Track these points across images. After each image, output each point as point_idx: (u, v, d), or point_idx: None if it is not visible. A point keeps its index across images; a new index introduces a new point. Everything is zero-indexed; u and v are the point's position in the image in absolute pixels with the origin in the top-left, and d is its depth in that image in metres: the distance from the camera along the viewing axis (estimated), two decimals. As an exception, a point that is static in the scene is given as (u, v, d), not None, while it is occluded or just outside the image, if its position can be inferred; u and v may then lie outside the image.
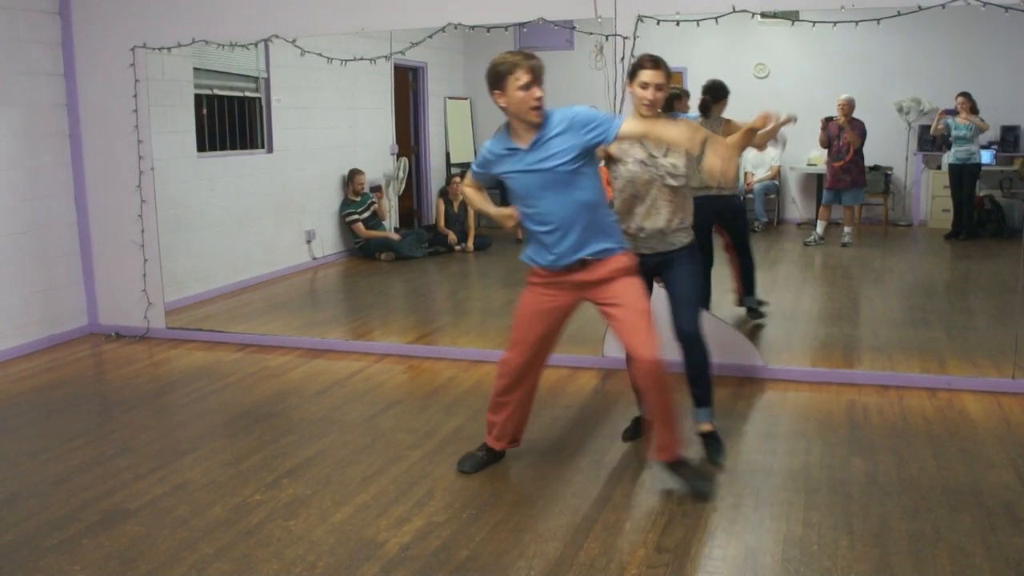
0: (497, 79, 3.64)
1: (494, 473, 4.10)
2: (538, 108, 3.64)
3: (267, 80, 8.57)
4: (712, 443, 4.25)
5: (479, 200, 4.12)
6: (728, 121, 5.98)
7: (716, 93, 6.09)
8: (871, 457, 4.23)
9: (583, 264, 3.79)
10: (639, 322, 3.74)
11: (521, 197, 3.81)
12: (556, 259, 3.80)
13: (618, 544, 3.44)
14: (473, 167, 4.02)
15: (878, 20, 5.17)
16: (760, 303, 6.62)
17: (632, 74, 4.01)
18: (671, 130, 3.72)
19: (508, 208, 3.96)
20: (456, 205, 10.11)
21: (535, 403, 4.45)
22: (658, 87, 3.94)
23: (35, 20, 6.42)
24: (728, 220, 6.28)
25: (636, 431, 4.49)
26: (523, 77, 3.59)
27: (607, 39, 5.51)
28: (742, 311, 6.58)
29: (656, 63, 3.96)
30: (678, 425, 3.89)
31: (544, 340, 4.00)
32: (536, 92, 3.62)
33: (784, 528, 3.54)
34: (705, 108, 6.08)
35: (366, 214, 9.61)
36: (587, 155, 3.73)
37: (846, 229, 9.31)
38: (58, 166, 6.66)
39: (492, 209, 4.09)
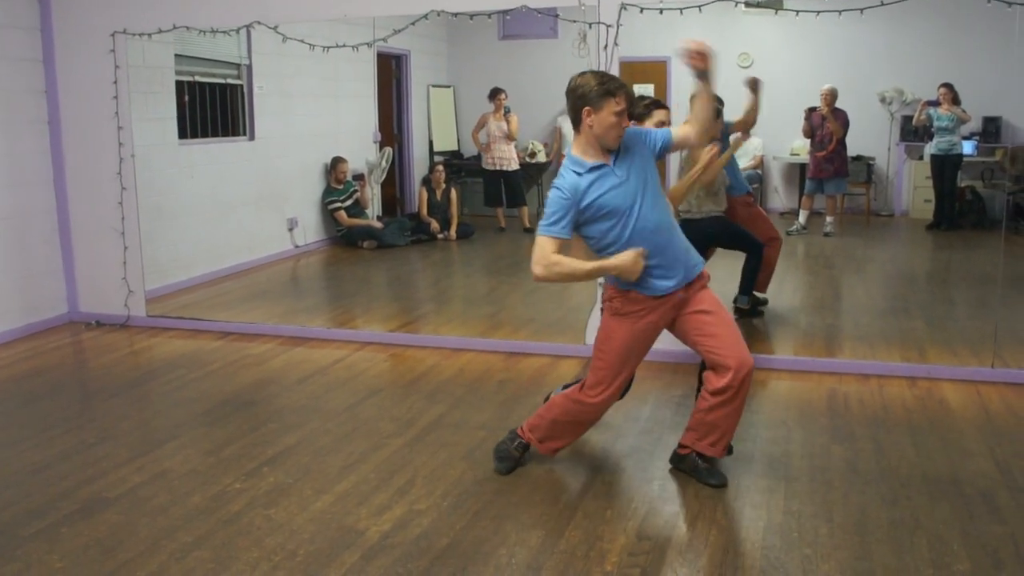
0: (593, 98, 3.51)
1: (475, 462, 4.10)
2: (621, 137, 3.59)
3: (249, 67, 8.51)
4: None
5: (574, 263, 3.57)
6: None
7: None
8: (851, 445, 4.25)
9: (697, 279, 3.77)
10: (732, 328, 3.76)
11: (616, 219, 3.60)
12: (676, 284, 3.69)
13: (599, 532, 3.45)
14: (548, 223, 3.57)
15: (861, 10, 5.18)
16: (751, 304, 6.52)
17: (642, 115, 4.08)
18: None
19: (629, 252, 3.56)
20: (439, 193, 10.08)
21: (517, 391, 4.47)
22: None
23: (13, 5, 6.35)
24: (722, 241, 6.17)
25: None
26: (623, 103, 3.52)
27: (590, 27, 5.49)
28: (728, 298, 6.47)
29: (662, 103, 4.15)
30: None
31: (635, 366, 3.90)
32: (626, 121, 3.57)
33: (765, 516, 3.56)
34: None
35: (348, 202, 9.57)
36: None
37: (828, 219, 9.32)
38: (37, 153, 6.60)
39: (607, 262, 3.60)
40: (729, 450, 4.19)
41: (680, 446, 3.96)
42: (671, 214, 3.78)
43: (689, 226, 5.63)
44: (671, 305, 3.72)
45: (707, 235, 5.77)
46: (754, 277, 6.27)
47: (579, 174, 3.59)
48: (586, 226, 3.65)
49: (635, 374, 3.99)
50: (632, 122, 3.81)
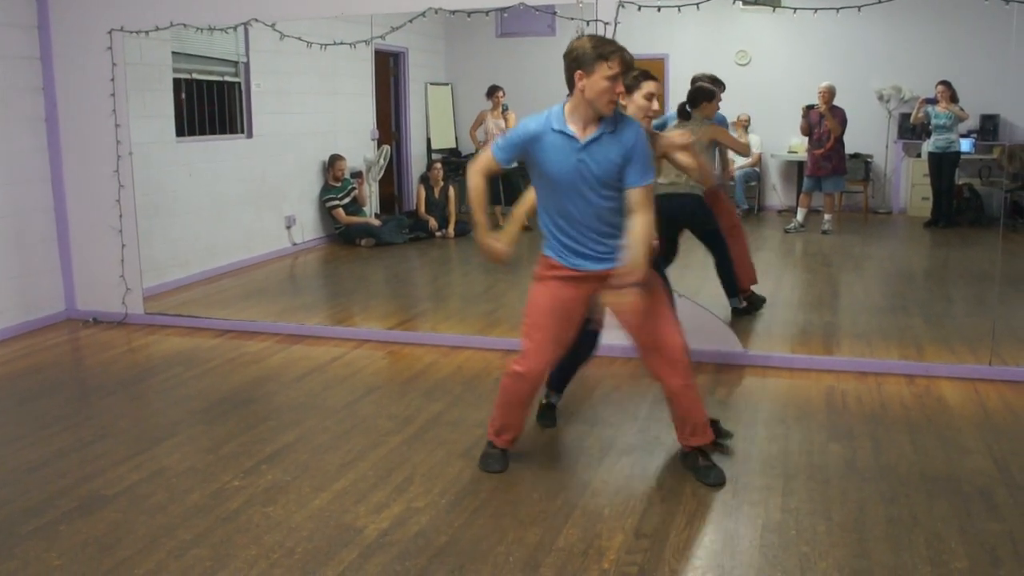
0: (585, 61, 3.48)
1: (473, 459, 4.10)
2: (615, 103, 3.56)
3: (246, 64, 8.51)
4: None
5: (480, 198, 3.80)
6: (712, 124, 5.97)
7: (692, 98, 6.02)
8: (849, 443, 4.25)
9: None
10: (665, 310, 3.79)
11: (550, 189, 3.67)
12: (591, 265, 3.73)
13: (597, 529, 3.45)
14: (498, 144, 3.73)
15: (859, 7, 5.17)
16: (747, 301, 6.52)
17: (631, 86, 3.99)
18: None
19: (497, 247, 3.83)
20: (437, 191, 10.07)
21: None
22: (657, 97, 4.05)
23: (10, 2, 6.34)
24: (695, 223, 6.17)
25: (551, 417, 4.56)
26: (616, 67, 3.47)
27: (588, 24, 5.49)
28: (723, 298, 6.46)
29: (652, 75, 4.08)
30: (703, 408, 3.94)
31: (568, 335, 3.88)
32: (620, 87, 3.52)
33: (762, 514, 3.56)
34: (683, 112, 6.01)
35: (346, 200, 9.56)
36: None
37: (826, 216, 9.34)
38: (35, 151, 6.59)
39: (482, 234, 3.82)
40: (722, 434, 4.20)
41: (683, 444, 3.99)
42: (613, 217, 3.70)
43: (672, 200, 5.69)
44: (593, 282, 3.73)
45: (685, 210, 5.83)
46: (730, 275, 6.26)
47: (543, 129, 3.61)
48: (531, 172, 3.72)
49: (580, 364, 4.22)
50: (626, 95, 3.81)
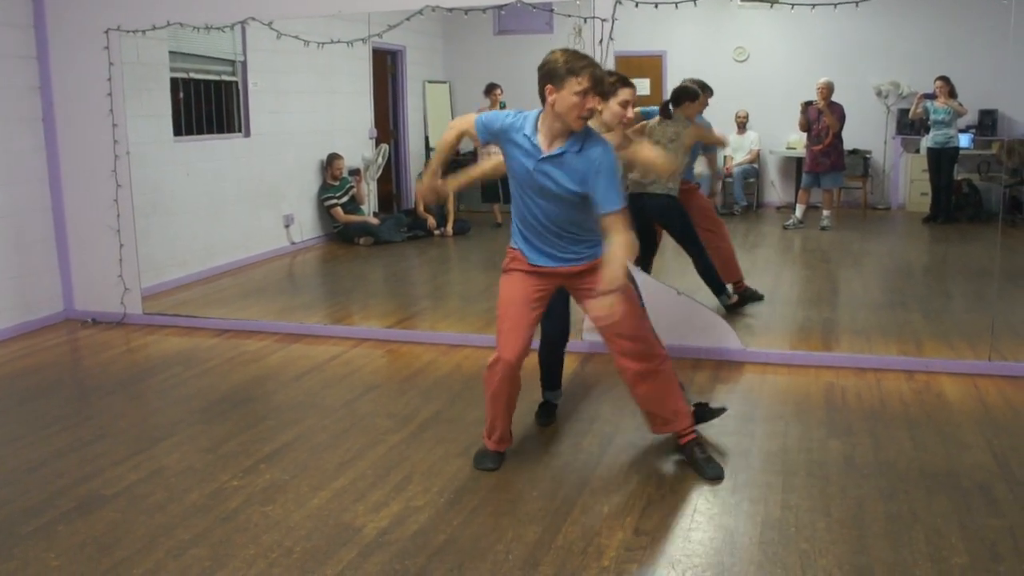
0: (556, 75, 3.46)
1: (472, 458, 4.09)
2: (585, 119, 3.53)
3: (244, 63, 8.49)
4: None
5: (445, 149, 3.90)
6: (694, 124, 5.98)
7: (676, 98, 6.02)
8: (849, 439, 4.24)
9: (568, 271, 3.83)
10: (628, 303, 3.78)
11: (516, 184, 3.74)
12: (549, 263, 3.79)
13: (597, 527, 3.44)
14: (482, 118, 3.77)
15: (856, 3, 5.16)
16: (739, 296, 6.52)
17: (608, 92, 3.97)
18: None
19: (441, 182, 4.00)
20: (435, 189, 10.05)
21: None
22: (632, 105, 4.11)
23: (6, 2, 6.33)
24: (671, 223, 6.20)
25: (550, 415, 4.60)
26: (585, 83, 3.44)
27: (585, 22, 5.48)
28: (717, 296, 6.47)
29: (629, 81, 4.12)
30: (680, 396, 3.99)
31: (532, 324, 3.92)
32: (590, 103, 3.49)
33: (762, 510, 3.55)
34: (665, 111, 6.01)
35: (345, 198, 9.55)
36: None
37: (825, 212, 9.32)
38: (32, 151, 6.58)
39: (429, 177, 3.97)
40: (704, 415, 4.21)
41: (677, 436, 4.02)
42: (575, 226, 3.73)
43: (644, 200, 5.74)
44: (557, 279, 3.83)
45: (660, 210, 5.89)
46: (711, 274, 6.27)
47: (516, 129, 3.64)
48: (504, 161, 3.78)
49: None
50: (601, 104, 3.76)
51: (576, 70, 3.44)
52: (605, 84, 3.61)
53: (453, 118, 10.99)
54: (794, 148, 10.29)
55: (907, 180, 10.35)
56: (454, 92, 11.14)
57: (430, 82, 10.83)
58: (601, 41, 5.40)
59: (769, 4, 5.73)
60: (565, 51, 3.53)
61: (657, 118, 5.95)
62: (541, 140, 3.59)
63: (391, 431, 4.46)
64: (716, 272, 6.28)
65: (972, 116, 9.73)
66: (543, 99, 3.55)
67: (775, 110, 10.01)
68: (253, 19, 6.14)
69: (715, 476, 3.84)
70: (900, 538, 3.31)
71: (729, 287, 6.45)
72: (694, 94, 5.98)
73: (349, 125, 9.82)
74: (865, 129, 9.99)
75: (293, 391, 5.12)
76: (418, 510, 3.60)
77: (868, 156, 10.24)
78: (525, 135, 3.62)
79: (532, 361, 5.54)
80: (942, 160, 9.57)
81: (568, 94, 3.45)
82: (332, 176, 9.51)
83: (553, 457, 4.10)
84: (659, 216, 6.00)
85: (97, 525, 3.53)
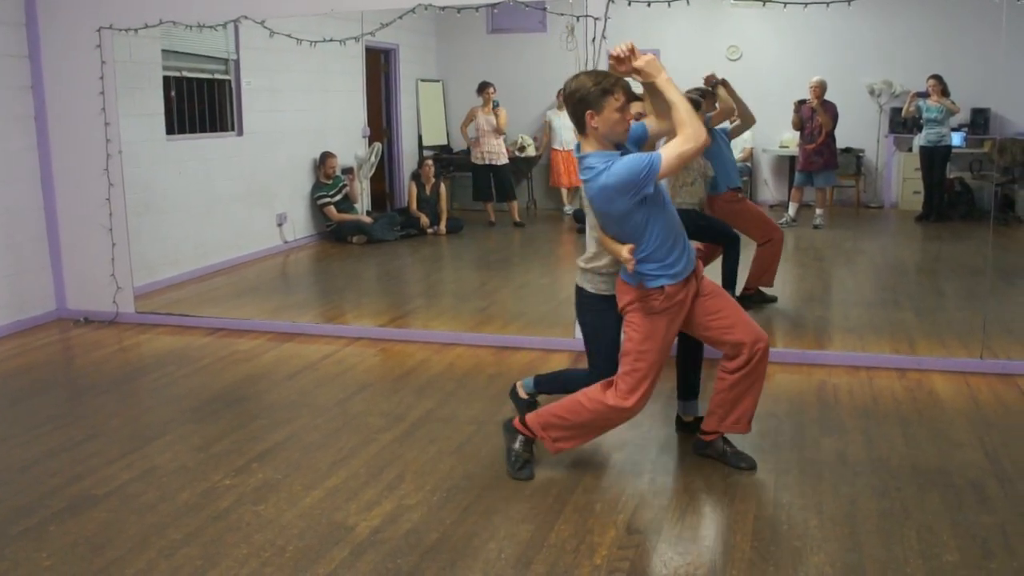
0: (593, 100, 3.46)
1: (464, 456, 4.09)
2: (628, 129, 3.56)
3: (237, 62, 8.48)
4: None
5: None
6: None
7: None
8: (841, 437, 4.25)
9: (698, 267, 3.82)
10: (738, 308, 3.85)
11: (655, 211, 3.59)
12: (687, 264, 3.69)
13: (589, 525, 3.45)
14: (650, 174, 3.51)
15: (849, 1, 5.17)
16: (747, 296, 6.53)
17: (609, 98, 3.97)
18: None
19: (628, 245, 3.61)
20: (428, 188, 10.06)
21: (507, 385, 4.45)
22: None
23: (-2, 0, 6.32)
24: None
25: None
26: (622, 98, 3.47)
27: (578, 20, 5.48)
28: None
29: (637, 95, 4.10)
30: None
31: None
32: (629, 114, 3.52)
33: (755, 508, 3.56)
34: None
35: (338, 197, 9.55)
36: None
37: (818, 211, 9.33)
38: (24, 149, 6.56)
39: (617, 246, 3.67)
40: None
41: (703, 433, 4.00)
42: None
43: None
44: (688, 291, 3.72)
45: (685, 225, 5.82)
46: (732, 274, 6.23)
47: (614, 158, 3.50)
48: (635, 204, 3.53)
49: None
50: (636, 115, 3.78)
51: (610, 88, 3.46)
52: (632, 90, 3.60)
53: (446, 116, 11.09)
54: (787, 147, 10.30)
55: (900, 179, 10.35)
56: (447, 91, 11.13)
57: (423, 80, 10.83)
58: (594, 40, 5.40)
59: (762, 2, 5.73)
60: (588, 74, 3.57)
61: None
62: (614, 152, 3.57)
63: (384, 430, 4.45)
64: (735, 274, 6.25)
65: (964, 115, 9.75)
66: (581, 127, 3.54)
67: (768, 109, 9.99)
68: (246, 17, 6.13)
69: (749, 467, 3.89)
70: (892, 535, 3.32)
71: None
72: (696, 104, 5.98)
73: (342, 124, 9.81)
74: (858, 128, 10.00)
75: (286, 390, 5.11)
76: (411, 509, 3.60)
77: (861, 155, 10.25)
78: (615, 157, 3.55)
79: (529, 363, 5.54)
80: (935, 159, 9.59)
81: (610, 113, 3.48)
82: (325, 175, 9.50)
83: (545, 456, 4.10)
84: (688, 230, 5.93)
85: (89, 525, 3.52)
